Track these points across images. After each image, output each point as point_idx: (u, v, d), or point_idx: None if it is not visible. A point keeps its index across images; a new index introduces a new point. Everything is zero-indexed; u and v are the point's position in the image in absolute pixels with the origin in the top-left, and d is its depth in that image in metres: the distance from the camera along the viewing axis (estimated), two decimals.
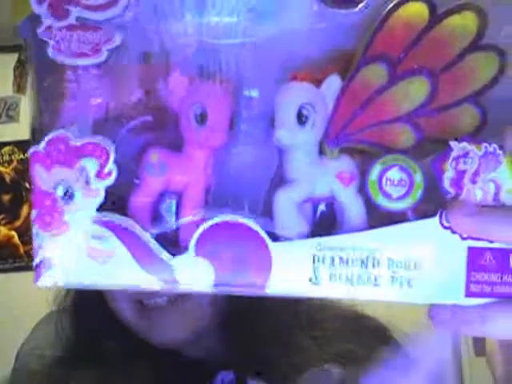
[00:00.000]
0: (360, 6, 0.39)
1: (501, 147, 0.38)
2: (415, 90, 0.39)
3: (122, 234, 0.38)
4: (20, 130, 2.53)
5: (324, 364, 0.70)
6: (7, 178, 2.55)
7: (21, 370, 0.79)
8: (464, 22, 0.38)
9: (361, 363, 0.68)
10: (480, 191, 0.38)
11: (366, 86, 0.39)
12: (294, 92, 0.39)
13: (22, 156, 2.54)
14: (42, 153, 0.38)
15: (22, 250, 2.51)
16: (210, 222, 0.38)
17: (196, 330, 0.72)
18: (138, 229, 0.38)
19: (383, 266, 0.38)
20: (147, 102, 0.39)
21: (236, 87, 0.39)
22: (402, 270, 0.38)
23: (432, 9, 0.38)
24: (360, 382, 0.62)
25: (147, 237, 0.38)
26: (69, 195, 0.38)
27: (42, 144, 0.38)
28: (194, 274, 0.38)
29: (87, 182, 0.38)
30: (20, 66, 2.47)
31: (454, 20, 0.38)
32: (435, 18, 0.38)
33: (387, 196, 0.38)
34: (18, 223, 2.52)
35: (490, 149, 0.37)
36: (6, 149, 2.56)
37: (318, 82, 0.39)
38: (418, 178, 0.38)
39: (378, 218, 0.38)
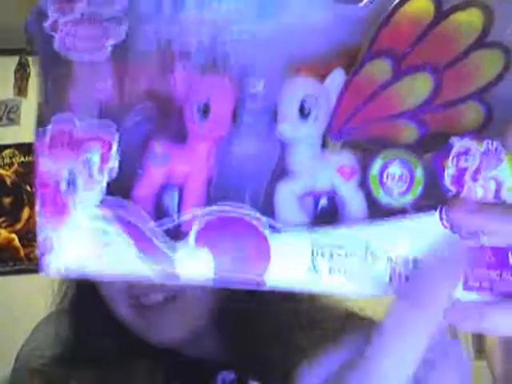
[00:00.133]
0: (365, 0, 0.39)
1: (503, 145, 0.37)
2: (419, 86, 0.39)
3: (124, 223, 0.38)
4: (21, 133, 2.55)
5: None
6: (8, 181, 2.56)
7: (21, 370, 0.80)
8: (469, 19, 0.38)
9: None
10: (481, 189, 0.38)
11: (370, 81, 0.39)
12: (297, 86, 0.39)
13: (22, 159, 2.55)
14: (47, 142, 0.39)
15: (22, 252, 2.51)
16: (210, 214, 0.38)
17: (194, 329, 0.72)
18: (140, 219, 0.38)
19: (382, 261, 0.38)
20: (152, 93, 0.40)
21: (240, 80, 0.39)
22: (401, 265, 0.38)
23: (438, 5, 0.38)
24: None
25: (149, 227, 0.38)
26: (72, 184, 0.38)
27: (47, 134, 0.39)
28: (194, 265, 0.38)
29: (90, 172, 0.38)
30: (21, 69, 2.48)
31: (460, 17, 0.38)
32: (441, 14, 0.38)
33: (388, 191, 0.38)
34: (18, 226, 2.53)
35: (492, 146, 0.37)
36: (7, 151, 2.57)
37: (322, 77, 0.39)
38: (419, 173, 0.38)
39: (379, 212, 0.38)
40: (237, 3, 0.39)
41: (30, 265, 2.46)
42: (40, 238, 0.39)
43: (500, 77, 0.39)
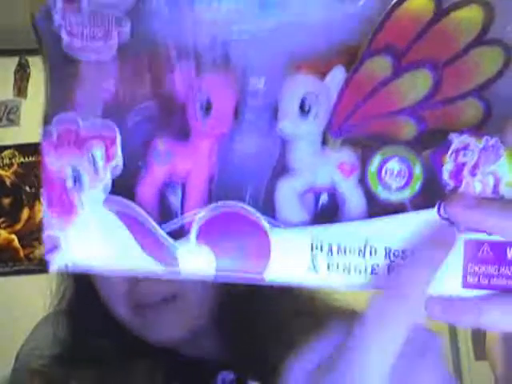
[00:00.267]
0: None
1: (502, 141, 0.38)
2: (419, 83, 0.39)
3: (127, 220, 0.39)
4: (20, 134, 2.54)
5: None
6: (7, 182, 2.55)
7: (20, 370, 0.80)
8: (470, 16, 0.38)
9: None
10: (479, 184, 0.38)
11: (370, 78, 0.39)
12: (297, 83, 0.39)
13: (22, 159, 2.55)
14: (53, 140, 0.39)
15: (21, 253, 2.51)
16: (212, 210, 0.39)
17: (194, 328, 0.72)
18: (143, 215, 0.39)
19: (380, 256, 0.38)
20: (155, 91, 0.40)
21: (241, 77, 0.40)
22: (400, 260, 0.38)
23: (438, 2, 0.38)
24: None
25: (152, 224, 0.39)
26: (78, 181, 0.39)
27: (53, 132, 0.39)
28: (196, 261, 0.39)
29: (95, 169, 0.39)
30: (20, 70, 2.48)
31: (460, 13, 0.38)
32: (441, 11, 0.38)
33: (386, 187, 0.38)
34: (18, 227, 2.52)
35: (491, 142, 0.38)
36: (7, 152, 2.56)
37: (322, 74, 0.39)
38: (418, 169, 0.38)
39: (378, 208, 0.39)
40: (237, 3, 0.39)
41: (30, 265, 2.46)
42: (46, 235, 0.39)
43: (500, 74, 0.39)
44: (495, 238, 0.38)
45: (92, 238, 0.39)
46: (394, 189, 0.38)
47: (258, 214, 0.38)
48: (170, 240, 0.38)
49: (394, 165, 0.38)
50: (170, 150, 0.39)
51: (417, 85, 0.39)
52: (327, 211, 0.40)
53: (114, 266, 0.40)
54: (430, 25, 0.38)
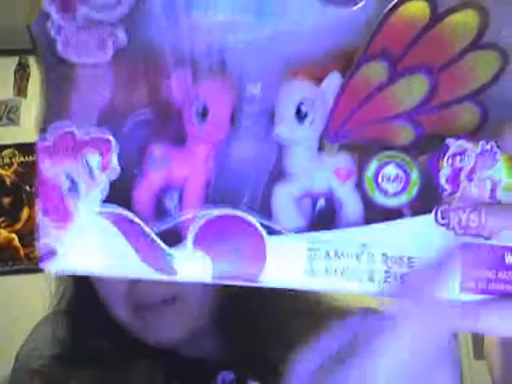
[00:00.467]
0: (361, 4, 0.39)
1: (498, 146, 0.38)
2: (415, 88, 0.39)
3: (124, 226, 0.39)
4: (20, 133, 2.54)
5: None
6: (7, 181, 2.56)
7: (20, 370, 0.80)
8: (465, 21, 0.38)
9: None
10: (476, 188, 0.38)
11: (366, 84, 0.39)
12: (294, 89, 0.39)
13: (22, 159, 2.55)
14: (49, 146, 0.39)
15: (21, 252, 2.51)
16: (208, 216, 0.39)
17: (193, 329, 0.72)
18: (139, 221, 0.39)
19: (377, 261, 0.38)
20: (151, 97, 0.40)
21: (237, 84, 0.40)
22: (397, 265, 0.38)
23: (433, 7, 0.38)
24: None
25: (148, 230, 0.39)
26: (74, 187, 0.39)
27: (49, 138, 0.39)
28: (192, 266, 0.39)
29: (91, 175, 0.39)
30: (20, 70, 2.48)
31: (455, 18, 0.38)
32: (436, 16, 0.38)
33: (383, 192, 0.38)
34: (18, 226, 2.52)
35: (487, 146, 0.38)
36: (7, 151, 2.56)
37: (318, 80, 0.39)
38: (415, 174, 0.38)
39: (375, 213, 0.39)
40: (233, 10, 0.39)
41: (30, 265, 2.46)
42: (41, 242, 0.39)
43: (496, 78, 0.39)
44: (493, 242, 0.38)
45: (88, 245, 0.39)
46: (390, 194, 0.38)
47: (255, 220, 0.38)
48: (166, 246, 0.38)
49: (390, 170, 0.38)
50: (166, 155, 0.39)
51: (413, 90, 0.39)
52: (324, 216, 0.40)
53: (110, 273, 0.40)
54: (425, 30, 0.38)
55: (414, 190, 0.38)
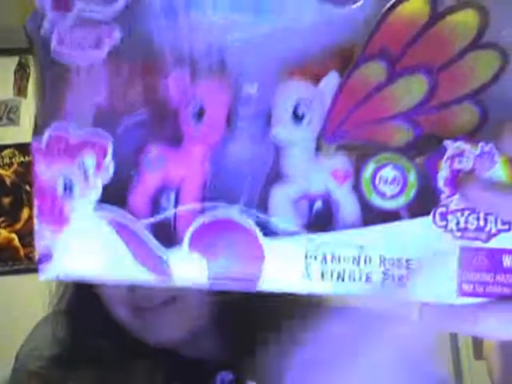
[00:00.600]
0: (359, 2, 0.38)
1: (497, 147, 0.37)
2: (414, 88, 0.39)
3: (119, 228, 0.39)
4: (20, 133, 2.55)
5: None
6: (7, 181, 2.56)
7: (20, 370, 0.80)
8: (465, 20, 0.38)
9: None
10: None
11: (365, 83, 0.39)
12: (291, 89, 0.39)
13: (22, 159, 2.55)
14: (44, 148, 0.39)
15: (22, 252, 2.52)
16: (204, 218, 0.38)
17: (193, 329, 0.72)
18: (135, 224, 0.39)
19: (375, 264, 0.38)
20: (147, 97, 0.40)
21: (234, 84, 0.39)
22: (394, 267, 0.38)
23: (433, 6, 0.38)
24: None
25: (144, 231, 0.39)
26: (69, 190, 0.39)
27: (44, 140, 0.39)
28: (188, 269, 0.38)
29: (86, 177, 0.39)
30: (20, 70, 2.48)
31: (455, 18, 0.38)
32: (436, 15, 0.38)
33: (381, 194, 0.38)
34: (18, 226, 2.53)
35: (486, 148, 0.37)
36: (7, 151, 2.57)
37: (316, 80, 0.39)
38: (412, 176, 0.38)
39: (372, 216, 0.38)
40: (232, 10, 0.39)
41: (30, 264, 2.46)
42: (38, 245, 0.39)
43: (496, 78, 0.39)
44: (491, 245, 0.37)
45: (84, 247, 0.39)
46: (388, 196, 0.38)
47: (252, 221, 0.38)
48: (163, 248, 0.38)
49: (388, 172, 0.38)
50: (162, 155, 0.39)
51: (412, 90, 0.39)
52: (321, 218, 0.40)
53: (107, 276, 0.39)
54: (424, 29, 0.38)
55: (411, 192, 0.38)
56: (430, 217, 0.38)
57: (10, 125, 2.60)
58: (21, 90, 2.55)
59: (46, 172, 0.39)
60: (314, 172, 0.39)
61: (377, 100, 0.39)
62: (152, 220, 0.39)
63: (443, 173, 0.37)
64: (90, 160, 0.38)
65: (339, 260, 0.38)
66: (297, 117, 0.38)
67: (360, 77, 0.39)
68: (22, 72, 2.53)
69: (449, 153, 0.37)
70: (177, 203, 0.40)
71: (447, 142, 0.38)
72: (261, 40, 0.39)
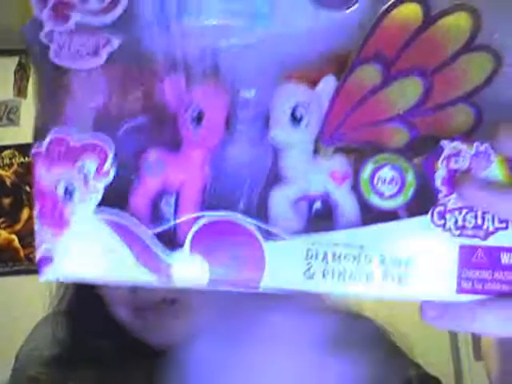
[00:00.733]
0: (354, 7, 0.39)
1: (493, 147, 0.38)
2: (409, 90, 0.39)
3: (121, 231, 0.39)
4: (20, 134, 2.54)
5: None
6: (8, 182, 2.55)
7: (20, 370, 0.80)
8: (458, 23, 0.39)
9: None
10: None
11: (360, 87, 0.39)
12: (288, 93, 0.39)
13: (22, 159, 2.55)
14: (44, 153, 0.39)
15: (22, 253, 2.51)
16: (205, 220, 0.39)
17: (193, 329, 0.72)
18: (136, 226, 0.39)
19: (375, 263, 0.38)
20: (146, 102, 0.40)
21: (232, 88, 0.40)
22: (394, 266, 0.38)
23: (426, 10, 0.38)
24: None
25: (145, 234, 0.39)
26: (69, 193, 0.39)
27: (44, 144, 0.39)
28: (190, 271, 0.39)
29: (86, 181, 0.39)
30: (20, 70, 2.48)
31: (448, 21, 0.39)
32: (429, 18, 0.39)
33: (379, 194, 0.39)
34: (18, 227, 2.52)
35: (482, 148, 0.38)
36: (7, 152, 2.56)
37: (313, 83, 0.39)
38: (410, 176, 0.38)
39: (371, 216, 0.39)
40: (226, 14, 0.39)
41: (30, 265, 2.45)
42: (38, 247, 0.39)
43: (489, 80, 0.39)
44: (489, 243, 0.38)
45: (84, 250, 0.39)
46: (386, 196, 0.38)
47: (252, 223, 0.38)
48: (164, 250, 0.38)
49: (386, 172, 0.38)
50: (161, 160, 0.39)
51: (407, 92, 0.39)
52: (321, 219, 0.40)
53: (108, 278, 0.40)
54: (418, 32, 0.39)
55: (409, 192, 0.38)
56: (429, 216, 0.38)
57: (10, 125, 2.60)
58: (21, 91, 2.54)
59: (47, 176, 0.39)
60: (312, 173, 0.40)
61: (373, 103, 0.39)
62: (153, 223, 0.39)
63: (440, 172, 0.38)
64: (90, 164, 0.39)
65: (339, 260, 0.38)
66: (295, 119, 0.39)
67: (355, 80, 0.39)
68: (22, 72, 2.53)
69: (445, 153, 0.38)
70: (177, 206, 0.40)
71: (444, 143, 0.38)
72: (257, 44, 0.39)
